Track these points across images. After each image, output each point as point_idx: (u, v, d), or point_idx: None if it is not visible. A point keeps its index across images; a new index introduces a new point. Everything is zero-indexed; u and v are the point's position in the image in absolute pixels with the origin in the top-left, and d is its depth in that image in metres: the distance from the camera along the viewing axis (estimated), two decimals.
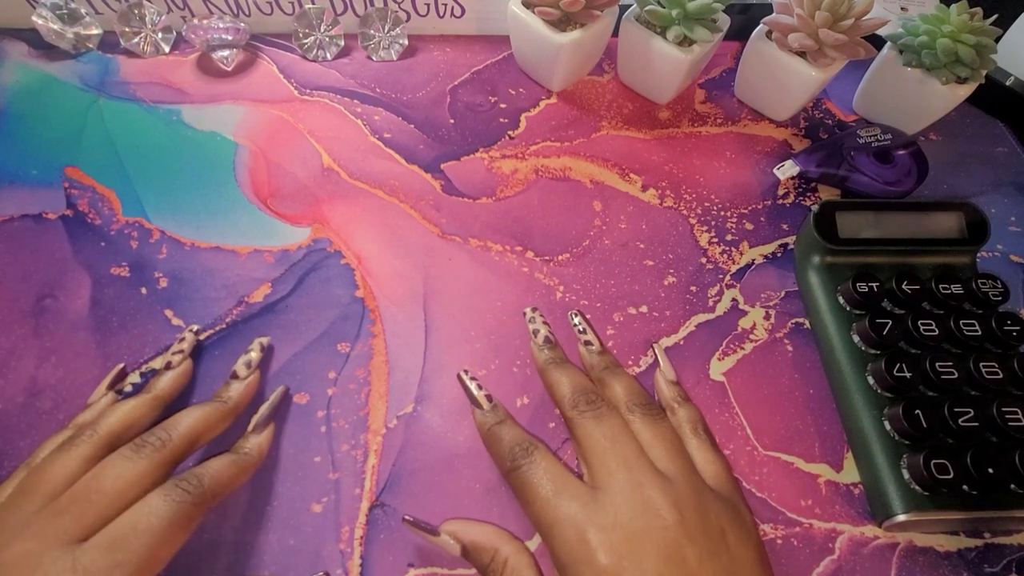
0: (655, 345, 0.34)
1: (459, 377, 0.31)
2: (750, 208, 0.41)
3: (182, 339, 0.31)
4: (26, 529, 0.22)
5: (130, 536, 0.22)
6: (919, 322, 0.33)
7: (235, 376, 0.30)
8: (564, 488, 0.25)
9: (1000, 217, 0.42)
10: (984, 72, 0.42)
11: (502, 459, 0.27)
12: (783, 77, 0.43)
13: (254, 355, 0.31)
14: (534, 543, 0.29)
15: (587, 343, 0.32)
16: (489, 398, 0.30)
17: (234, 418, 0.29)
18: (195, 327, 0.32)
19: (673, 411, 0.30)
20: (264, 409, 0.30)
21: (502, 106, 0.45)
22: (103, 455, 0.25)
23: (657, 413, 0.28)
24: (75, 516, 0.22)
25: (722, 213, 0.41)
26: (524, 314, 0.33)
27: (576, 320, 0.33)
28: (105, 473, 0.24)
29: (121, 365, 0.31)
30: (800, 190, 0.43)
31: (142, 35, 0.44)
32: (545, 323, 0.33)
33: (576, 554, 0.23)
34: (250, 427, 0.29)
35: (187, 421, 0.27)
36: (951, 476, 0.28)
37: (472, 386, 0.30)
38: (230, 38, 0.44)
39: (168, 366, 0.30)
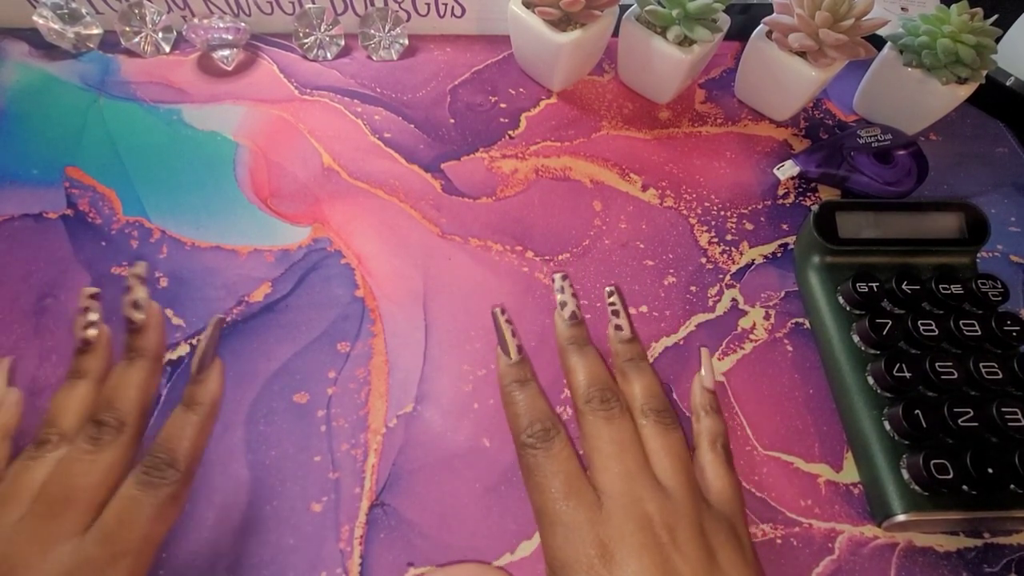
0: (703, 349, 0.32)
1: (493, 315, 0.28)
2: (750, 208, 0.41)
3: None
4: (14, 540, 0.22)
5: (120, 529, 0.22)
6: (919, 322, 0.33)
7: (131, 323, 0.26)
8: (575, 491, 0.25)
9: (1000, 217, 0.42)
10: (984, 72, 0.42)
11: (517, 430, 0.26)
12: (783, 77, 0.43)
13: (138, 293, 0.26)
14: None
15: (617, 327, 0.29)
16: (520, 349, 0.27)
17: (163, 366, 0.27)
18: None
19: (698, 418, 0.29)
20: (203, 346, 0.26)
21: (502, 106, 0.45)
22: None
23: (670, 422, 0.27)
24: (68, 517, 0.22)
25: (722, 213, 0.41)
26: (553, 281, 0.30)
27: (612, 298, 0.30)
28: (75, 471, 0.23)
29: (7, 359, 0.29)
30: (800, 190, 0.43)
31: (142, 35, 0.44)
32: (575, 295, 0.29)
33: (575, 559, 0.23)
34: (194, 370, 0.26)
35: (132, 396, 0.25)
36: (951, 476, 0.28)
37: (506, 328, 0.27)
38: (230, 38, 0.44)
39: (86, 343, 0.26)
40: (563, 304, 0.29)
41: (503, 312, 0.28)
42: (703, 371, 0.31)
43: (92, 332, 0.26)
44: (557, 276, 0.30)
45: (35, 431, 0.25)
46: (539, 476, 0.25)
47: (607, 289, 0.30)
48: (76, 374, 0.26)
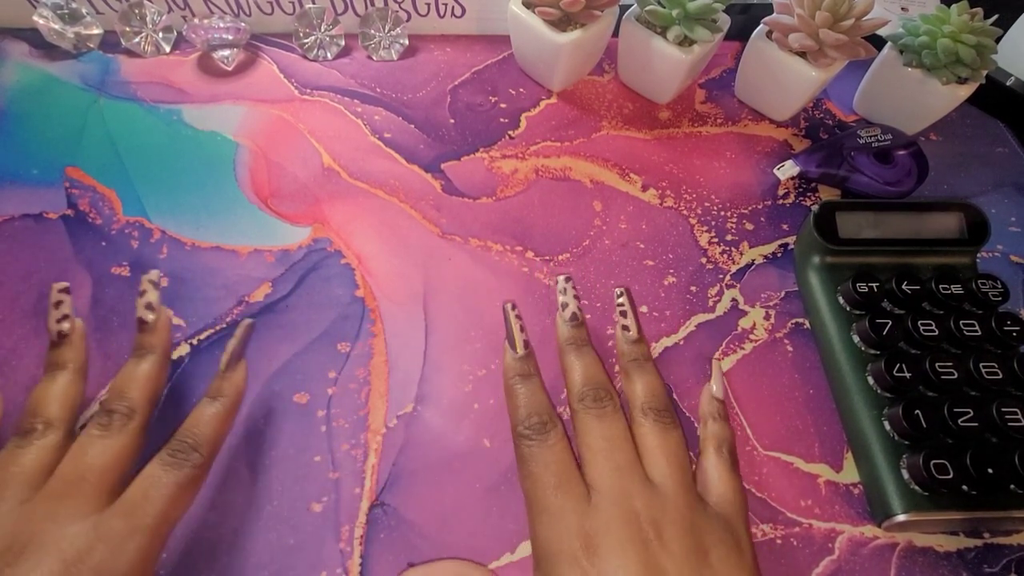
0: (714, 360, 0.33)
1: (504, 309, 0.29)
2: (750, 208, 0.41)
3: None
4: (27, 518, 0.23)
5: (143, 503, 0.24)
6: (919, 322, 0.33)
7: (143, 323, 0.28)
8: (566, 482, 0.25)
9: (1000, 217, 0.43)
10: (984, 72, 0.42)
11: (516, 420, 0.27)
12: (783, 77, 0.43)
13: (152, 297, 0.29)
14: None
15: (624, 328, 0.30)
16: (526, 344, 0.29)
17: (169, 362, 0.29)
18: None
19: (705, 424, 0.29)
20: (232, 346, 0.28)
21: (502, 106, 0.45)
22: (67, 441, 0.25)
23: (669, 422, 0.27)
24: (81, 497, 0.23)
25: (722, 213, 0.41)
26: (556, 282, 0.31)
27: (621, 299, 0.31)
28: (88, 453, 0.24)
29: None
30: (800, 190, 0.43)
31: (143, 35, 0.44)
32: (577, 297, 0.30)
33: (558, 548, 0.24)
34: (222, 366, 0.28)
35: (142, 387, 0.27)
36: (950, 476, 0.28)
37: (514, 323, 0.29)
38: (231, 38, 0.44)
39: (61, 336, 0.28)
40: (564, 305, 0.30)
41: (513, 308, 0.29)
42: (713, 381, 0.31)
43: (66, 325, 0.28)
44: (560, 278, 0.31)
45: (16, 424, 0.26)
46: (532, 465, 0.26)
47: (616, 290, 0.31)
48: (54, 367, 0.27)
